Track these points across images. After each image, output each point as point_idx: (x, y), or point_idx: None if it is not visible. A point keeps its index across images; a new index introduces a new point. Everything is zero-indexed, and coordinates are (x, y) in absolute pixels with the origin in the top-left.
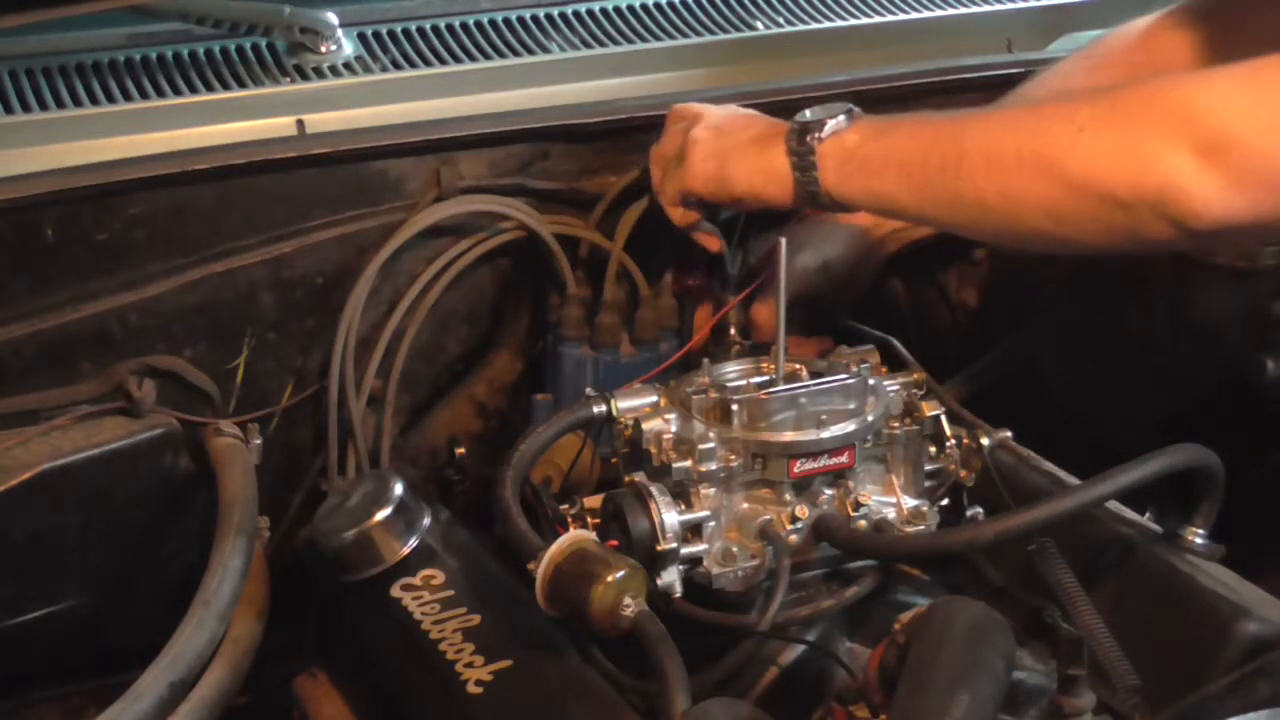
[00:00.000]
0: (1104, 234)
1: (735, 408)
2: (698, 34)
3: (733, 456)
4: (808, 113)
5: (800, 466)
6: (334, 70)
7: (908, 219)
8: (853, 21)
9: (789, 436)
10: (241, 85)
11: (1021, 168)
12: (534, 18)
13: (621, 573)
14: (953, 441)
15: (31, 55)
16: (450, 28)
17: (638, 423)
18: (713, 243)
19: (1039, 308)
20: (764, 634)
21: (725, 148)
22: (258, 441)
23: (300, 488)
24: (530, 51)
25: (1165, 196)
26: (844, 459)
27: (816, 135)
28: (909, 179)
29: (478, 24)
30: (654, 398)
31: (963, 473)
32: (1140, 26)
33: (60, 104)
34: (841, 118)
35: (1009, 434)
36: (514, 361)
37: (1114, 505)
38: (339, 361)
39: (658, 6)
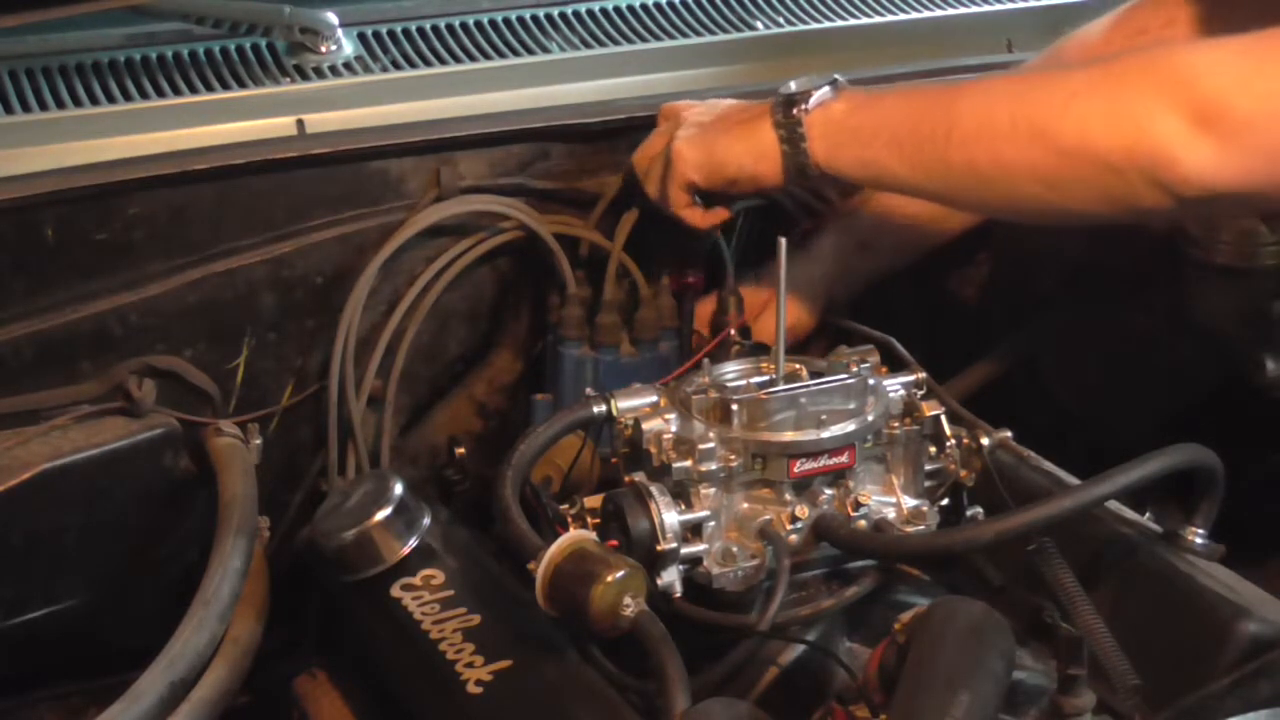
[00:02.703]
0: (1097, 200)
1: (735, 408)
2: (698, 34)
3: (733, 456)
4: (792, 84)
5: (800, 466)
6: (334, 70)
7: (900, 190)
8: (853, 21)
9: (789, 436)
10: (241, 85)
11: (1014, 134)
12: (534, 18)
13: (621, 573)
14: (953, 441)
15: (31, 55)
16: (450, 28)
17: (638, 423)
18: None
19: (1039, 308)
20: (764, 634)
21: (711, 134)
22: (258, 441)
23: (300, 488)
24: (530, 51)
25: (1157, 161)
26: (844, 459)
27: (803, 107)
28: (900, 148)
29: (478, 24)
30: (654, 398)
31: (963, 473)
32: (1136, 5)
33: (60, 104)
34: (826, 89)
35: (1009, 434)
36: (514, 361)
37: (1114, 505)
38: (339, 361)
39: (658, 6)
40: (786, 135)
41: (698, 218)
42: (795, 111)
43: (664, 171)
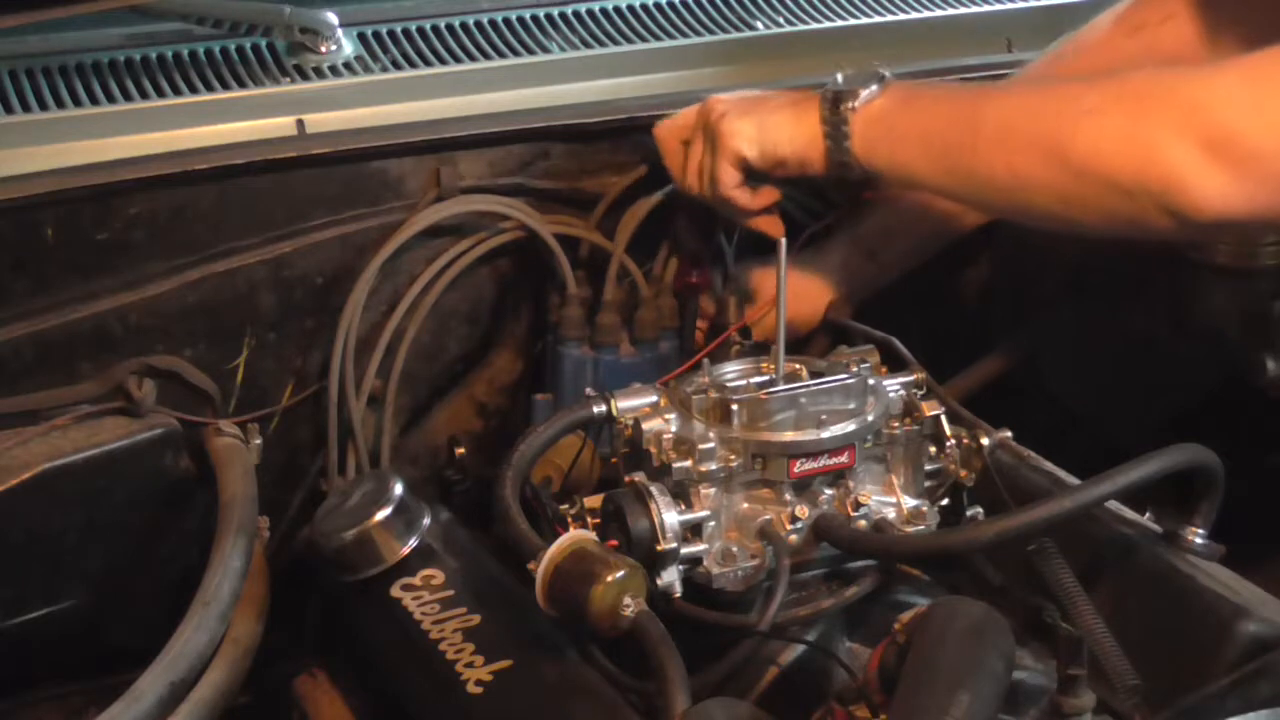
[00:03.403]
0: (1108, 219)
1: (735, 408)
2: (698, 34)
3: (733, 456)
4: (840, 79)
5: (800, 466)
6: (334, 70)
7: (927, 190)
8: (853, 21)
9: (789, 436)
10: (241, 85)
11: (1030, 148)
12: (534, 18)
13: (621, 573)
14: (953, 441)
15: (31, 55)
16: (450, 28)
17: (638, 423)
18: (777, 227)
19: (1039, 307)
20: (764, 634)
21: (760, 110)
22: (258, 441)
23: (300, 488)
24: (530, 51)
25: (1168, 188)
26: (844, 459)
27: (850, 105)
28: (929, 151)
29: (478, 24)
30: (654, 398)
31: (963, 473)
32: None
33: (60, 104)
34: (874, 86)
35: (1009, 434)
36: (514, 361)
37: (1114, 505)
38: (339, 361)
39: (658, 6)
40: (831, 131)
41: (746, 198)
42: (842, 109)
43: (712, 150)
